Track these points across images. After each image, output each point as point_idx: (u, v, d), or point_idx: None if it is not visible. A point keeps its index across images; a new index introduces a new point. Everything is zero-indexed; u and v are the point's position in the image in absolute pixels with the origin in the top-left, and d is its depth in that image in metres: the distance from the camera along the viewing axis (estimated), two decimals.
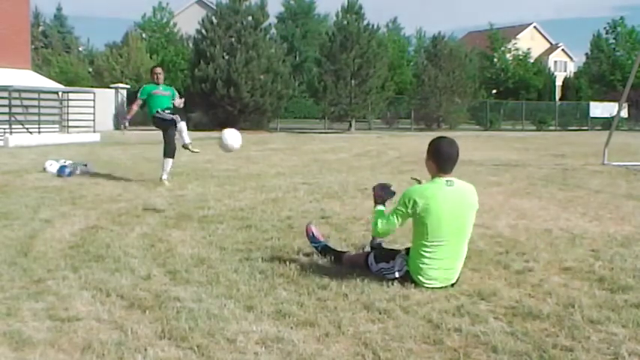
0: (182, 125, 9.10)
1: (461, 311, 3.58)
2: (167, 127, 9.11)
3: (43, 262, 4.53)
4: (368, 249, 4.80)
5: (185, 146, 9.18)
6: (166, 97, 9.24)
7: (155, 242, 5.20)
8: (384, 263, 4.21)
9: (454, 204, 4.07)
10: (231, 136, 6.14)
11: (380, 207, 4.33)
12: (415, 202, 4.00)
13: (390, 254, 4.28)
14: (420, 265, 4.02)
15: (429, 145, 4.17)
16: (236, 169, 11.43)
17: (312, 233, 4.85)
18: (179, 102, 9.33)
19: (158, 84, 9.28)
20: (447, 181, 4.07)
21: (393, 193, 4.42)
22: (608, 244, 5.38)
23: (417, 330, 3.28)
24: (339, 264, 4.52)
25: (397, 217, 4.10)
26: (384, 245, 4.78)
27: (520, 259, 4.80)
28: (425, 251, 4.03)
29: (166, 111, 9.11)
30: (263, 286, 4.01)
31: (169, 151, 9.11)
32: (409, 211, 4.04)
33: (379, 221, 4.19)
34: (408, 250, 4.24)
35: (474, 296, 3.86)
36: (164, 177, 9.01)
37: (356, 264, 4.41)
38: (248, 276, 4.22)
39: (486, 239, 5.50)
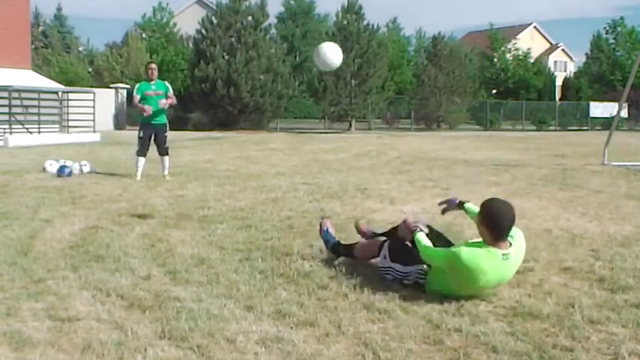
0: (164, 160, 9.64)
1: (461, 311, 3.58)
2: (151, 135, 9.63)
3: (43, 262, 4.53)
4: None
5: (164, 176, 9.60)
6: (159, 97, 9.54)
7: (155, 242, 5.20)
8: (400, 265, 4.03)
9: (503, 275, 3.83)
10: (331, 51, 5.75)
11: (419, 236, 3.98)
12: (461, 270, 3.68)
13: (408, 257, 4.04)
14: (446, 288, 3.82)
15: (482, 207, 3.83)
16: (236, 169, 11.44)
17: (327, 228, 4.74)
18: (163, 103, 9.56)
19: (152, 80, 9.65)
20: (503, 254, 3.73)
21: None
22: (608, 244, 5.38)
23: (417, 330, 3.28)
24: (351, 258, 4.47)
25: (434, 260, 3.84)
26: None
27: None
28: (454, 289, 3.81)
29: (151, 125, 9.55)
30: (263, 286, 4.00)
31: (163, 151, 9.69)
32: (452, 272, 3.73)
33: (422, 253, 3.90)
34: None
35: (473, 296, 3.85)
36: (165, 172, 9.62)
37: (367, 251, 4.32)
38: (248, 276, 4.21)
39: None
